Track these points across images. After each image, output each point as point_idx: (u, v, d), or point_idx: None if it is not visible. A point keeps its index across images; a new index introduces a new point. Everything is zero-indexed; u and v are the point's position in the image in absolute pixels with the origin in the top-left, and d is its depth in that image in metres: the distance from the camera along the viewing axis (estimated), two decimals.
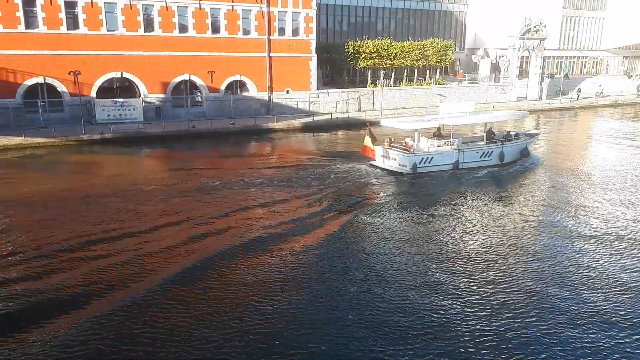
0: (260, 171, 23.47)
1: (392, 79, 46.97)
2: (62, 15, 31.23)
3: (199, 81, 36.08)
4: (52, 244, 14.35)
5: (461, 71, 55.71)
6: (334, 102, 41.30)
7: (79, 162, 26.89)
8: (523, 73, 53.74)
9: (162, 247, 14.20)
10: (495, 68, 53.98)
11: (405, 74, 48.04)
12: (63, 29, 31.43)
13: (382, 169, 23.25)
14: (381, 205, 18.63)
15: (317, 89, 41.03)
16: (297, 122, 36.36)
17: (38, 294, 11.53)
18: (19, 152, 27.27)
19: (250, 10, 36.78)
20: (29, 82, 31.17)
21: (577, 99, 52.73)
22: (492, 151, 23.98)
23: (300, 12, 38.62)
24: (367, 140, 23.69)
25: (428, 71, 49.73)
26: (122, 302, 11.11)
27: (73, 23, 31.76)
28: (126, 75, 33.75)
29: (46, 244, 14.39)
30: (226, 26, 36.16)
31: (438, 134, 24.45)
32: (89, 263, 13.18)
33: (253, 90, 38.30)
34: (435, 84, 48.45)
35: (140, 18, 33.38)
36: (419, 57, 47.56)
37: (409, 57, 47.04)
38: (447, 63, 50.83)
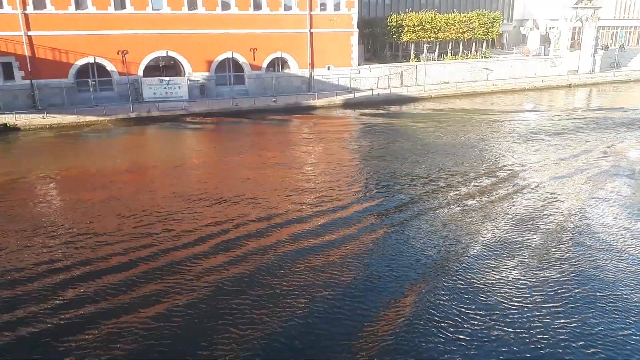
0: None
1: (436, 53, 45.81)
2: None
3: (241, 59, 36.33)
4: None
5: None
6: (375, 78, 40.76)
7: (148, 137, 28.23)
8: (575, 45, 51.16)
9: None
10: (545, 40, 51.60)
11: (450, 47, 46.71)
12: (111, 9, 32.19)
13: None
14: None
15: (359, 64, 40.53)
16: (337, 98, 36.19)
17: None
18: (77, 129, 28.47)
19: None
20: (80, 62, 32.27)
21: None
22: None
23: None
24: None
25: (474, 44, 48.14)
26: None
27: (120, 3, 32.43)
28: (171, 53, 34.40)
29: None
30: (268, 2, 36.04)
31: None
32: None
33: (294, 67, 38.28)
34: (482, 57, 46.93)
35: None
36: (464, 30, 46.04)
37: (454, 29, 45.62)
38: (494, 35, 48.96)
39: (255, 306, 9.98)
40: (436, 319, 9.40)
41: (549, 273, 11.05)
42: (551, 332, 8.97)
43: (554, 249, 12.27)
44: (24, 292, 10.59)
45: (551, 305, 9.82)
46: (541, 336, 8.87)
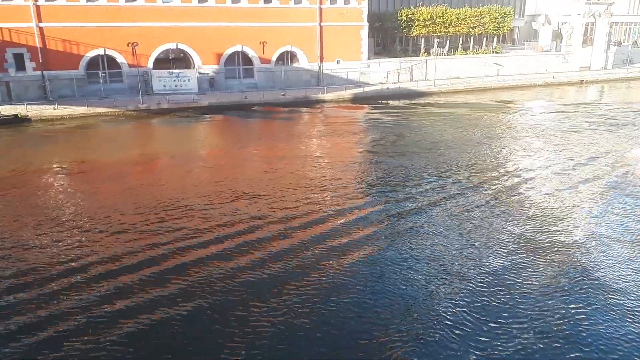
0: None
1: (447, 48, 45.52)
2: None
3: (250, 52, 36.29)
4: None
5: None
6: (384, 72, 40.55)
7: (159, 129, 28.41)
8: (587, 41, 50.55)
9: None
10: (556, 36, 51.07)
11: (461, 42, 46.39)
12: (121, 1, 32.22)
13: None
14: None
15: (368, 58, 40.36)
16: (346, 93, 36.08)
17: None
18: (88, 120, 28.59)
19: None
20: (91, 53, 32.37)
21: None
22: None
23: None
24: None
25: (485, 39, 47.78)
26: None
27: None
28: (181, 46, 34.41)
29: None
30: None
31: None
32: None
33: (303, 61, 38.17)
34: (493, 52, 46.58)
35: None
36: (475, 25, 45.70)
37: (464, 24, 45.30)
38: (505, 31, 48.57)
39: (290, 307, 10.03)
40: None
41: None
42: None
43: None
44: (40, 284, 10.63)
45: None
46: None
